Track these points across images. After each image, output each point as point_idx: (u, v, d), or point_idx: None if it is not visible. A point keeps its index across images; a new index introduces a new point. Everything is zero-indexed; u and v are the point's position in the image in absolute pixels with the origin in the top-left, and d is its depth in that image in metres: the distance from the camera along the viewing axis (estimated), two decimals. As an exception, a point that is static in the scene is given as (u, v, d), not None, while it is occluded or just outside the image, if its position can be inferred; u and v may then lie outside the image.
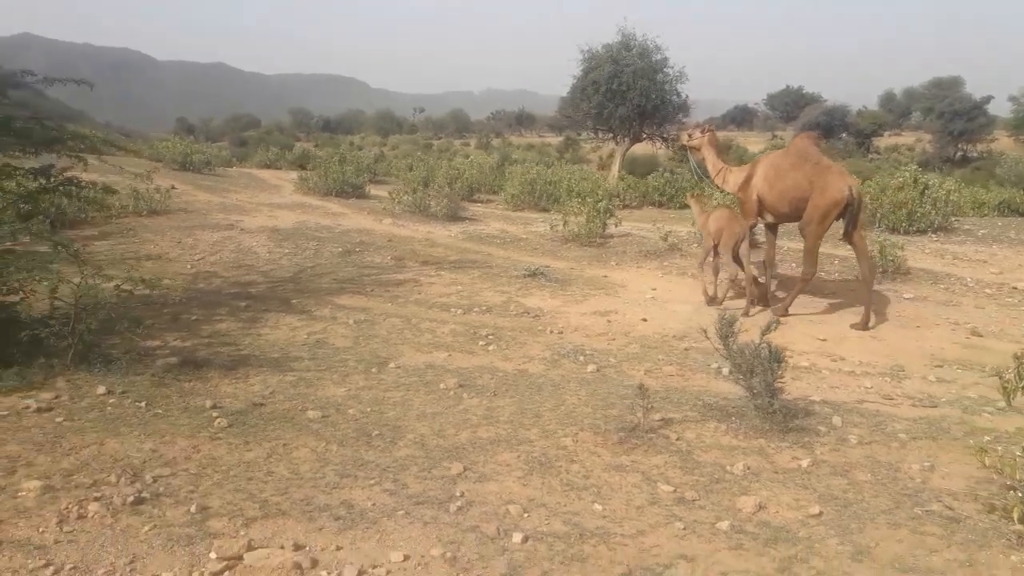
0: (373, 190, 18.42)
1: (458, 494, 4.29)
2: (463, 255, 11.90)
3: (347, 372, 6.51)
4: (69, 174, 7.06)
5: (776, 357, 5.47)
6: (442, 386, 6.20)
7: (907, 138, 61.35)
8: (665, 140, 29.12)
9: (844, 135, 53.33)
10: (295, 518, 3.93)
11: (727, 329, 5.72)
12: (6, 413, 5.07)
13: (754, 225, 9.35)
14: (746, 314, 8.65)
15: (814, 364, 7.28)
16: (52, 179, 6.85)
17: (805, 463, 4.89)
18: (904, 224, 13.56)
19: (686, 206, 14.99)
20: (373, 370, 6.59)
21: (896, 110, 66.55)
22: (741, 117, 79.24)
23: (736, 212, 9.36)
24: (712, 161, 9.73)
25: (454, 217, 15.10)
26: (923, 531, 4.07)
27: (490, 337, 7.71)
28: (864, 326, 8.40)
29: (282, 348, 7.09)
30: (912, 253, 11.52)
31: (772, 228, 9.35)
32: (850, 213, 8.33)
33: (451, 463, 4.70)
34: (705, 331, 5.94)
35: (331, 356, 6.93)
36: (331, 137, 63.15)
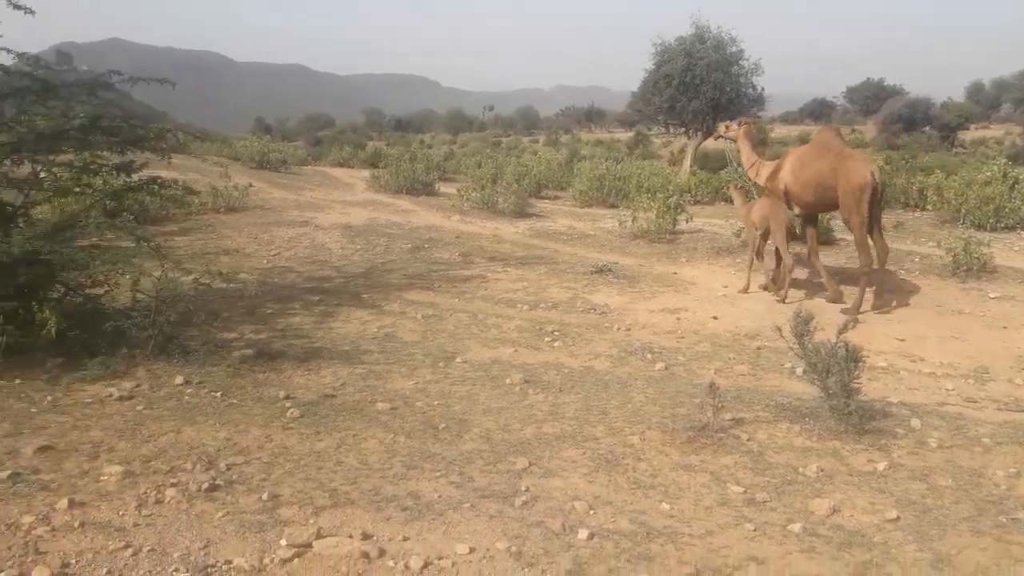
0: (442, 187, 18.57)
1: (523, 489, 4.29)
2: (530, 251, 11.89)
3: (415, 366, 6.58)
4: (152, 173, 7.32)
5: (853, 357, 5.30)
6: (508, 381, 6.21)
7: (995, 131, 58.45)
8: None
9: (927, 128, 51.20)
10: (363, 508, 3.98)
11: (802, 327, 5.56)
12: (90, 400, 5.30)
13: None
14: (783, 300, 9.00)
15: (892, 365, 7.02)
16: (135, 177, 7.12)
17: (882, 466, 4.72)
18: (991, 220, 12.92)
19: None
20: (440, 364, 6.64)
21: (984, 102, 63.53)
22: (819, 111, 76.86)
23: (778, 200, 9.38)
24: (747, 154, 10.16)
25: (521, 213, 15.11)
26: (1008, 540, 3.88)
27: (556, 333, 7.68)
28: (856, 310, 8.52)
29: (353, 341, 7.22)
30: (999, 251, 10.98)
31: (811, 221, 9.51)
32: (875, 197, 8.57)
33: (516, 458, 4.70)
34: (779, 329, 5.80)
35: (400, 350, 7.02)
36: (402, 136, 64.01)
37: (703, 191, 18.86)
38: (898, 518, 4.08)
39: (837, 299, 8.99)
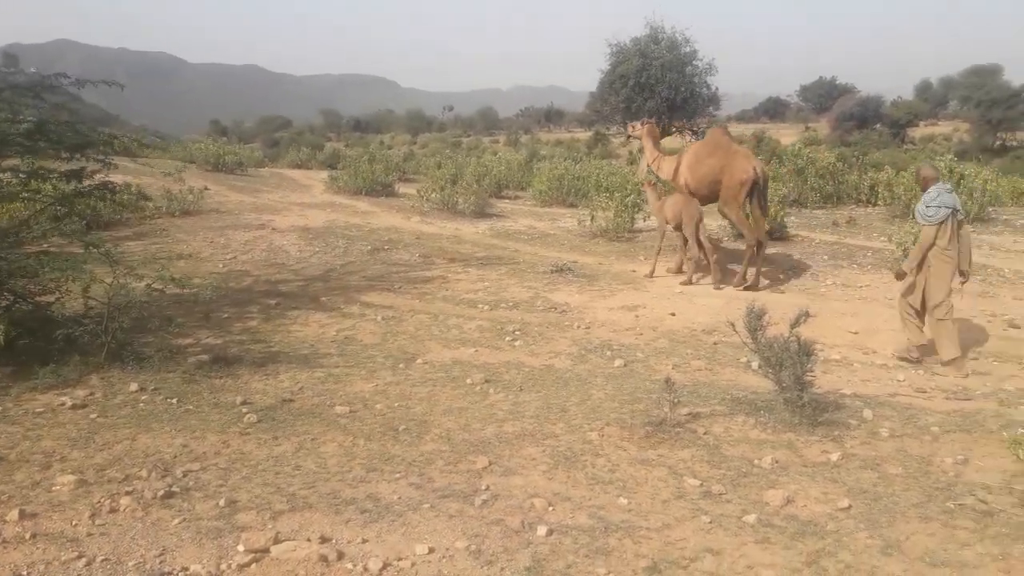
0: (402, 188, 18.50)
1: (483, 488, 4.31)
2: (490, 251, 11.91)
3: (375, 368, 6.56)
4: (103, 178, 7.19)
5: (806, 350, 5.41)
6: (469, 381, 6.22)
7: (944, 127, 60.03)
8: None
9: (878, 125, 52.37)
10: (322, 511, 3.97)
11: (755, 323, 5.66)
12: (42, 410, 5.20)
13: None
14: (689, 282, 9.88)
15: (845, 357, 7.18)
16: (86, 182, 6.99)
17: (835, 456, 4.83)
18: (940, 215, 13.29)
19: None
20: (400, 366, 6.63)
21: (933, 99, 65.16)
22: (774, 109, 78.16)
23: (690, 196, 10.05)
24: (649, 150, 11.13)
25: (482, 214, 15.12)
26: (955, 525, 4.00)
27: (517, 333, 7.72)
28: (741, 283, 9.59)
29: (311, 345, 7.17)
30: (948, 244, 11.29)
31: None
32: (757, 189, 9.48)
33: (477, 457, 4.72)
34: (733, 325, 5.89)
35: (359, 352, 6.99)
36: (361, 137, 63.56)
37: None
38: (850, 507, 4.18)
39: (719, 281, 9.79)
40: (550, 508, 4.10)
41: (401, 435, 5.10)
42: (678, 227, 10.07)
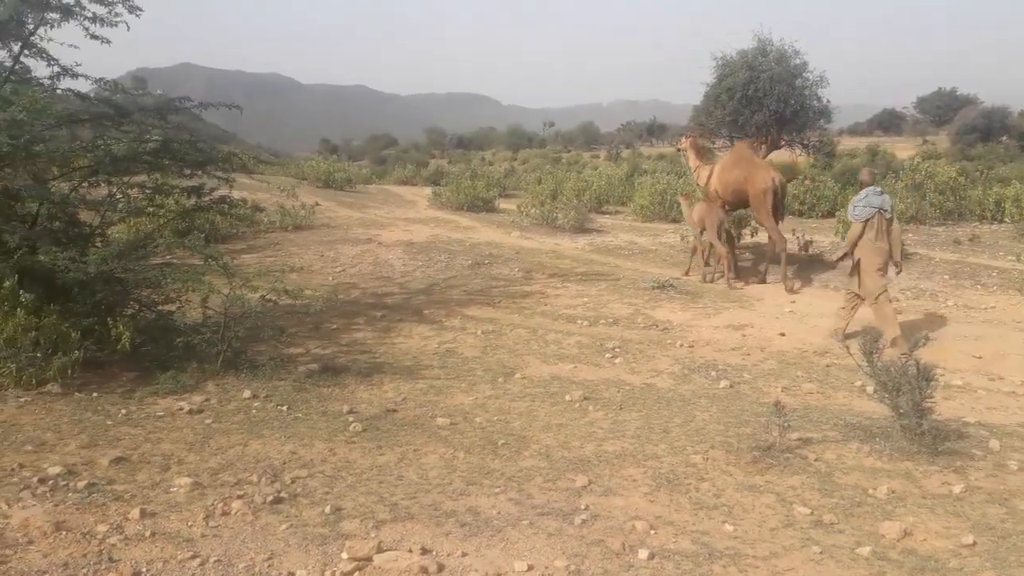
0: (502, 204, 18.68)
1: (583, 507, 4.24)
2: (590, 267, 11.85)
3: (475, 381, 6.61)
4: (221, 193, 7.57)
5: (925, 375, 5.10)
6: (567, 398, 6.17)
7: (1080, 140, 55.89)
8: (805, 147, 27.94)
9: (1004, 138, 49.23)
10: (423, 522, 4.00)
11: (871, 345, 5.38)
12: (162, 414, 5.47)
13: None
14: (711, 280, 10.84)
15: (968, 383, 6.74)
16: (205, 198, 7.36)
17: (957, 489, 4.52)
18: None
19: (828, 215, 14.92)
20: (500, 380, 6.65)
21: (1067, 110, 60.81)
22: (888, 122, 74.78)
23: (713, 204, 10.95)
24: (692, 161, 11.99)
25: (581, 229, 15.08)
26: (1099, 570, 3.66)
27: (617, 349, 7.62)
28: (764, 280, 10.72)
29: (414, 356, 7.29)
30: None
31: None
32: (776, 198, 10.49)
33: (576, 475, 4.66)
34: (848, 347, 5.62)
35: (460, 365, 7.06)
36: (464, 154, 64.65)
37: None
38: (975, 543, 3.90)
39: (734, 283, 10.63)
40: (652, 531, 4.00)
41: (500, 450, 5.09)
42: (703, 231, 10.93)
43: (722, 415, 5.82)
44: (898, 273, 8.35)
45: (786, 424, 5.08)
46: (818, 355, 7.59)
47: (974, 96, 64.73)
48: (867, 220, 7.78)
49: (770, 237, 10.79)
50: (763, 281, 10.81)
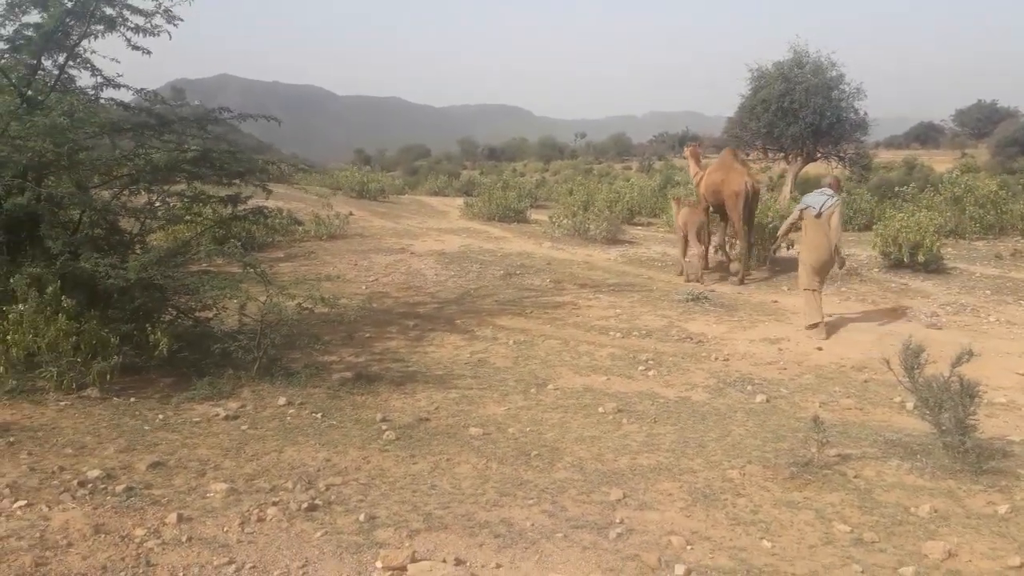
0: (534, 215, 18.68)
1: (618, 520, 4.20)
2: (622, 278, 11.78)
3: (507, 391, 6.59)
4: (257, 203, 7.65)
5: (968, 392, 4.97)
6: (601, 410, 6.13)
7: None
8: (842, 159, 27.59)
9: (1048, 151, 48.15)
10: (457, 533, 3.98)
11: (912, 360, 5.27)
12: (199, 419, 5.52)
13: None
14: (701, 281, 11.53)
15: (1012, 400, 6.58)
16: (241, 207, 7.45)
17: (1003, 509, 4.40)
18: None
19: (865, 228, 14.78)
20: (532, 391, 6.62)
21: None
22: (926, 135, 73.62)
23: (696, 208, 11.90)
24: (692, 168, 12.88)
25: (613, 240, 15.02)
26: None
27: (650, 362, 7.55)
28: (735, 277, 11.56)
29: (446, 366, 7.29)
30: None
31: (724, 217, 12.06)
32: (746, 201, 11.18)
33: (610, 488, 4.61)
34: (888, 362, 5.50)
35: (492, 375, 7.05)
36: (495, 164, 64.86)
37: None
38: (1022, 565, 3.78)
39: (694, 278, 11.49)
40: (688, 547, 3.93)
41: (533, 461, 5.06)
42: (686, 234, 11.92)
43: (759, 430, 5.73)
44: (841, 267, 9.19)
45: (824, 440, 4.99)
46: (856, 370, 7.46)
47: (1014, 109, 63.54)
48: (801, 211, 8.96)
49: (736, 234, 11.83)
50: (725, 277, 11.83)
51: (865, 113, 26.71)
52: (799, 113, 25.45)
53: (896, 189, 19.95)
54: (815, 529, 4.17)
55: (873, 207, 18.02)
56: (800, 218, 9.00)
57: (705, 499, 4.52)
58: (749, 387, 6.87)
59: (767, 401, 6.49)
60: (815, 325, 8.66)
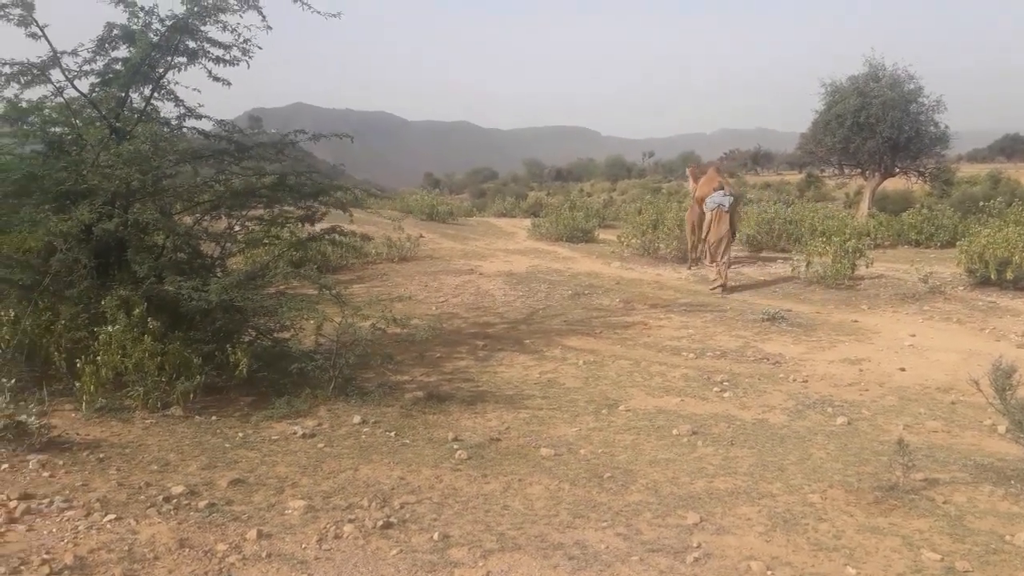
0: (602, 235, 18.62)
1: (695, 544, 4.10)
2: (694, 298, 11.61)
3: (577, 412, 6.54)
4: (332, 223, 7.83)
5: (1069, 415, 4.71)
6: (675, 432, 6.02)
7: None
8: (922, 174, 26.68)
9: None
10: (530, 554, 3.96)
11: (1004, 381, 5.02)
12: (277, 437, 5.65)
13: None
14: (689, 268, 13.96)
15: (1120, 426, 6.17)
16: (316, 225, 7.64)
17: (1107, 539, 4.13)
18: None
19: (948, 244, 14.42)
20: (603, 412, 6.56)
21: None
22: (1011, 147, 70.55)
23: (694, 208, 13.69)
24: (691, 184, 14.54)
25: (684, 259, 14.82)
26: None
27: (725, 383, 7.39)
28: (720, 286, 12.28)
29: (516, 386, 7.29)
30: None
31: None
32: (731, 209, 12.54)
33: (686, 512, 4.51)
34: (976, 383, 5.25)
35: (562, 396, 7.01)
36: (562, 185, 64.86)
37: (884, 234, 17.75)
38: None
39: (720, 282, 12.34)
40: (769, 572, 3.81)
41: (606, 483, 5.00)
42: (693, 231, 13.86)
43: (840, 453, 5.53)
44: (734, 236, 12.89)
45: (910, 463, 4.79)
46: (942, 391, 7.15)
47: (1111, 118, 60.35)
48: (713, 211, 12.31)
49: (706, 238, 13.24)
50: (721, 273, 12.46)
51: (946, 126, 25.82)
52: (876, 128, 24.78)
53: (981, 204, 19.17)
54: (902, 556, 4.00)
55: (956, 223, 17.34)
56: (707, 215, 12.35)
57: (785, 524, 4.38)
58: (829, 409, 6.65)
59: (848, 423, 6.27)
60: (720, 284, 12.02)
